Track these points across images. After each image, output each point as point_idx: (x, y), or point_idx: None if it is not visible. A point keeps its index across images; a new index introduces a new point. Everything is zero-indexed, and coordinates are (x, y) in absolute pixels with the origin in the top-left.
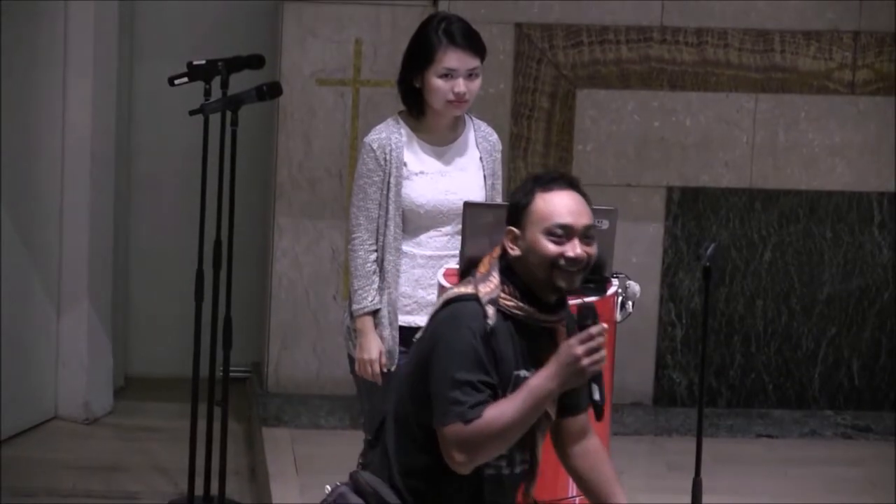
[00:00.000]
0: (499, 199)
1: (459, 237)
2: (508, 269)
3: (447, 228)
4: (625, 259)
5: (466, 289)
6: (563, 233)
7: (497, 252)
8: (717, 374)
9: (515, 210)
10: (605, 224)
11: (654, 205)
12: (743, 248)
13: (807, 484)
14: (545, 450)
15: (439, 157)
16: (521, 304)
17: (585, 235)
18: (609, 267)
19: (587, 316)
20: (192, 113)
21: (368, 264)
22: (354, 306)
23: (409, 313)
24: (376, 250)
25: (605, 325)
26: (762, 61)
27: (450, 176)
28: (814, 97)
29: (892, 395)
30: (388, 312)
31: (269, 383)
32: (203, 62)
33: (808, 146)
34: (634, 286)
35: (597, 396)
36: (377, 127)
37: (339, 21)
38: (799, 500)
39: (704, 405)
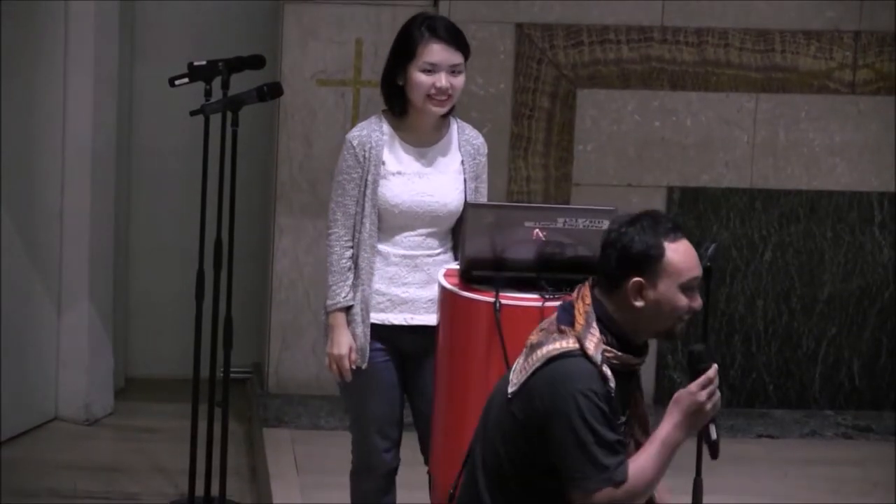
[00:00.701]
0: (483, 202)
1: (434, 238)
2: (611, 320)
3: (422, 230)
4: None
5: (567, 343)
6: (694, 286)
7: (588, 299)
8: (718, 374)
9: (643, 260)
10: (605, 224)
11: (655, 205)
12: (743, 247)
13: (807, 484)
14: None
15: (419, 157)
16: (618, 353)
17: (700, 285)
18: None
19: (701, 359)
20: (192, 113)
21: (343, 260)
22: (328, 302)
23: (382, 311)
24: (352, 247)
25: (716, 366)
26: (763, 61)
27: (427, 178)
28: (814, 97)
29: (892, 395)
30: (361, 310)
31: (270, 384)
32: (204, 63)
33: (808, 146)
34: None
35: (714, 436)
36: (360, 124)
37: (339, 21)
38: (799, 500)
39: None
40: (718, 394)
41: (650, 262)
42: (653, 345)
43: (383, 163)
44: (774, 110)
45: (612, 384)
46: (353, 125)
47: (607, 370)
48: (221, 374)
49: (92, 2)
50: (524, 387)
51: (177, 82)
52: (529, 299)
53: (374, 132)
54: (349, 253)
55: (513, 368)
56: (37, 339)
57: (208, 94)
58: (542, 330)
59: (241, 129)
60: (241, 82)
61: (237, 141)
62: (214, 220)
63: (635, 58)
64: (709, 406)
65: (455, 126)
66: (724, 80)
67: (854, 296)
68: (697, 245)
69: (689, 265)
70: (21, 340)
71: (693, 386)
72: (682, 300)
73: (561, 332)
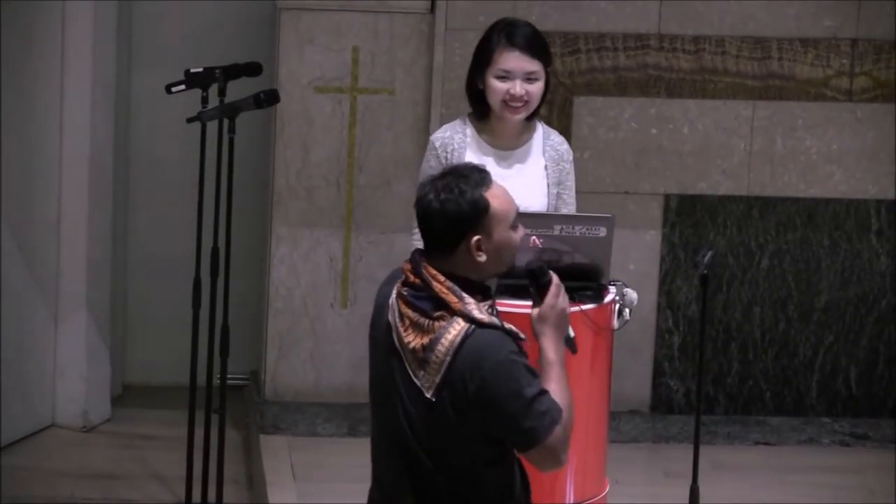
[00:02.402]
0: (565, 210)
1: None
2: (465, 281)
3: None
4: (622, 266)
5: (458, 325)
6: (518, 222)
7: (441, 277)
8: (715, 381)
9: (475, 217)
10: (602, 232)
11: (652, 212)
12: (740, 255)
13: (804, 491)
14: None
15: (502, 160)
16: (488, 301)
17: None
18: (606, 274)
19: (544, 274)
20: (189, 120)
21: None
22: None
23: None
24: None
25: (554, 274)
26: (760, 69)
27: (510, 181)
28: (811, 104)
29: (889, 402)
30: None
31: (267, 391)
32: (200, 70)
33: (805, 154)
34: (632, 294)
35: (571, 334)
36: (444, 126)
37: (336, 29)
38: None
39: (702, 413)
40: (566, 294)
41: (481, 217)
42: (649, 352)
43: None
44: (772, 118)
45: (523, 335)
46: (350, 133)
47: (509, 325)
48: (218, 382)
49: (89, 8)
50: (444, 383)
51: (173, 89)
52: (525, 306)
53: (457, 134)
54: None
55: (410, 375)
56: (34, 345)
57: (205, 101)
58: (413, 332)
59: (237, 136)
60: (238, 89)
61: (234, 148)
62: (211, 227)
63: (632, 65)
64: (568, 310)
65: (541, 131)
66: (722, 87)
67: (851, 303)
68: (694, 252)
69: (510, 205)
70: (19, 347)
71: (550, 298)
72: (514, 238)
73: (440, 319)
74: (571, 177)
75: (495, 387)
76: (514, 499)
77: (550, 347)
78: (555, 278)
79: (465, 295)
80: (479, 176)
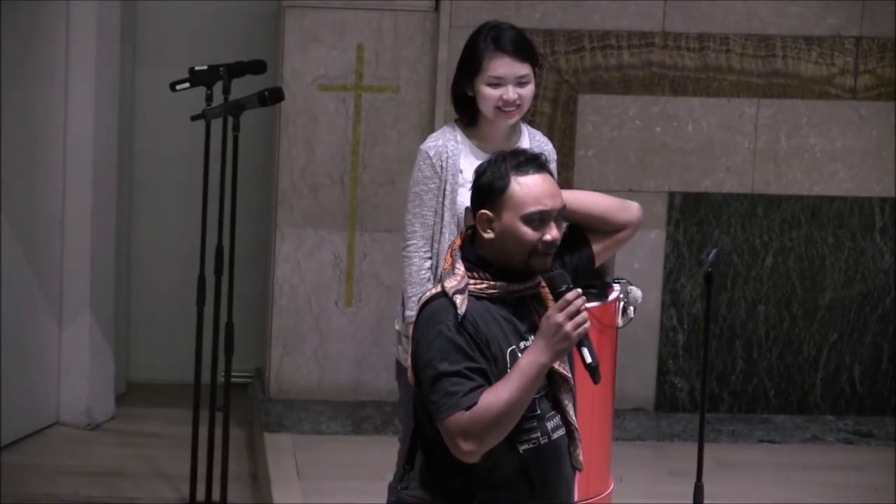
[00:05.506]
0: None
1: None
2: (476, 256)
3: None
4: (626, 264)
5: (435, 290)
6: (541, 218)
7: (457, 243)
8: (719, 379)
9: (489, 193)
10: None
11: (656, 210)
12: (744, 253)
13: (808, 489)
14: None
15: None
16: (492, 282)
17: (558, 217)
18: (611, 272)
19: (560, 283)
20: (193, 118)
21: (423, 271)
22: (407, 313)
23: None
24: (430, 257)
25: (578, 290)
26: (764, 67)
27: None
28: (815, 102)
29: (893, 400)
30: None
31: (271, 389)
32: (205, 67)
33: (809, 151)
34: (636, 291)
35: (589, 359)
36: (433, 134)
37: (341, 27)
38: None
39: (706, 411)
40: (583, 316)
41: (495, 194)
42: (653, 350)
43: (461, 171)
44: (776, 116)
45: (462, 310)
46: (354, 131)
47: (458, 298)
48: (223, 379)
49: (93, 7)
50: (411, 342)
51: (178, 87)
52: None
53: (449, 142)
54: (428, 264)
55: None
56: (38, 343)
57: (209, 98)
58: None
59: (242, 134)
60: (243, 87)
61: (238, 146)
62: (215, 225)
63: (637, 63)
64: (568, 327)
65: (526, 132)
66: (726, 85)
67: (855, 301)
68: (699, 251)
69: (532, 198)
70: (23, 345)
71: (551, 310)
72: (527, 233)
73: (438, 283)
74: (556, 176)
75: (419, 353)
76: (474, 477)
77: (528, 354)
78: (570, 294)
79: (459, 266)
80: (521, 160)
